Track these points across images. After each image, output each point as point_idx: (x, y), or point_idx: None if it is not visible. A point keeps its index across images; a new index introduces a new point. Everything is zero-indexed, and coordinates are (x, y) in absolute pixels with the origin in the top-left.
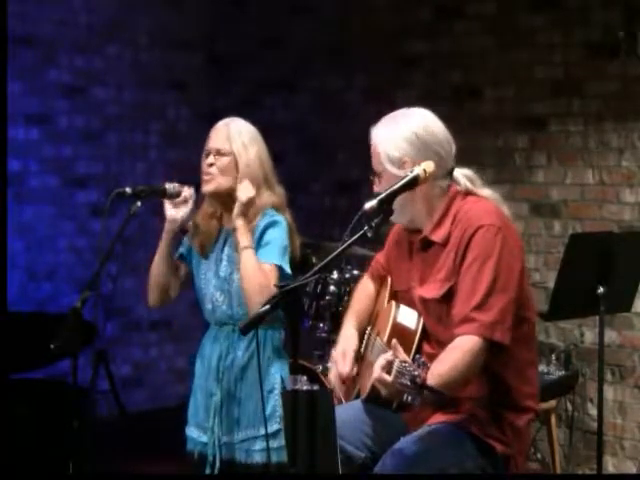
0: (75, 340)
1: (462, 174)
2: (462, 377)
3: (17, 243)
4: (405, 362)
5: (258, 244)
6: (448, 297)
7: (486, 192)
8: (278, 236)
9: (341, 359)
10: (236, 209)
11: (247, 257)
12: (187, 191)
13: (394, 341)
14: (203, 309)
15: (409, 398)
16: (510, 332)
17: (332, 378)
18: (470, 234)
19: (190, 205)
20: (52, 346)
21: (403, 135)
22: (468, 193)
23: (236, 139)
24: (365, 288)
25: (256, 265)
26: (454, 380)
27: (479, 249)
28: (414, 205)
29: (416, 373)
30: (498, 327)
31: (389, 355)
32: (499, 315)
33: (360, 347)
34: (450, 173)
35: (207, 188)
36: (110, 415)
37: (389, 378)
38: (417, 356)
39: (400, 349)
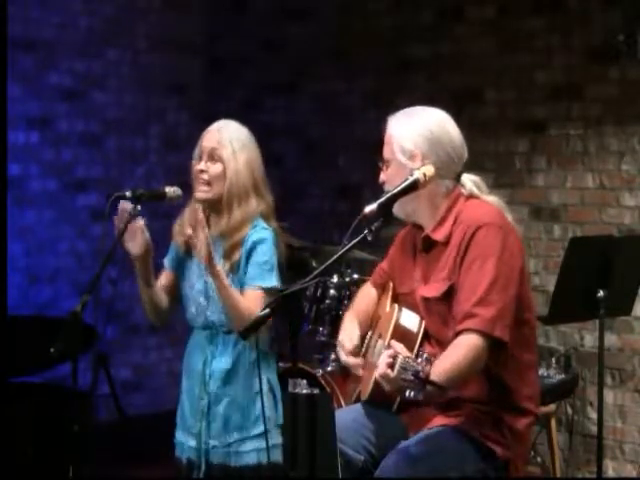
0: (75, 344)
1: (469, 179)
2: (465, 373)
3: (17, 247)
4: (408, 357)
5: (247, 256)
6: (448, 295)
7: (490, 198)
8: (268, 254)
9: (348, 340)
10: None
11: (230, 294)
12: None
13: (393, 342)
14: (187, 312)
15: (412, 394)
16: (510, 330)
17: (344, 358)
18: (471, 233)
19: (145, 234)
20: (52, 350)
21: (419, 129)
22: (471, 197)
23: (226, 146)
24: (367, 293)
25: (239, 299)
26: (457, 376)
27: (480, 248)
28: (418, 201)
29: (419, 368)
30: (498, 323)
31: (392, 351)
32: (499, 311)
33: (363, 339)
34: (458, 177)
35: (202, 196)
36: (110, 418)
37: (392, 373)
38: (420, 352)
39: (401, 346)
